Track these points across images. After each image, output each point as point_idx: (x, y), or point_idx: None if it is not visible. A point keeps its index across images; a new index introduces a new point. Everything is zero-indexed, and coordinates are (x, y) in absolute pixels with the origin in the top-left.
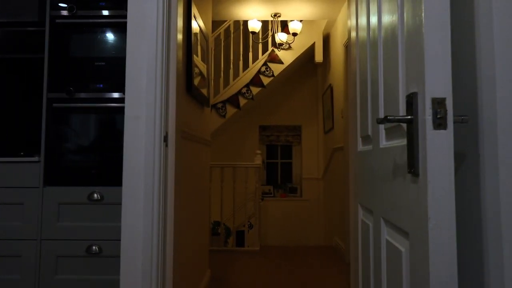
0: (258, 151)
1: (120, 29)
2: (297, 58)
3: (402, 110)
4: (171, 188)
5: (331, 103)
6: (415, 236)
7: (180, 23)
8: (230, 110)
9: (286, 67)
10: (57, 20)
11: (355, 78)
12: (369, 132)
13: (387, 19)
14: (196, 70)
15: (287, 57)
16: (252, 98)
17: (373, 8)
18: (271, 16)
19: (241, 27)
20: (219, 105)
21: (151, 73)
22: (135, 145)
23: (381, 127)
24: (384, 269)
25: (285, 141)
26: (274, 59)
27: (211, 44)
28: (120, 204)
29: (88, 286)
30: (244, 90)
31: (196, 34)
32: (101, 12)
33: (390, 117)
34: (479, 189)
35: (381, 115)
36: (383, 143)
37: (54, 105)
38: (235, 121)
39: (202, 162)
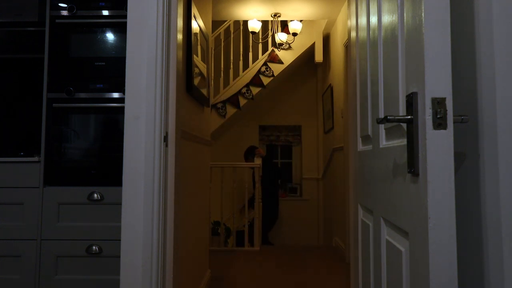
0: None
1: (120, 29)
2: (297, 58)
3: (402, 110)
4: (171, 188)
5: (331, 103)
6: (415, 236)
7: (180, 23)
8: (230, 110)
9: (286, 67)
10: (57, 20)
11: (355, 78)
12: (369, 132)
13: (387, 19)
14: (196, 70)
15: (287, 57)
16: (252, 98)
17: (373, 8)
18: (271, 16)
19: (241, 27)
20: (219, 105)
21: (151, 73)
22: (135, 145)
23: (381, 127)
24: (384, 269)
25: (285, 141)
26: (274, 59)
27: (211, 44)
28: (120, 204)
29: (88, 286)
30: (244, 90)
31: (196, 34)
32: (101, 12)
33: (390, 117)
34: (479, 189)
35: (381, 115)
36: (383, 143)
37: (54, 105)
38: (235, 121)
39: (202, 162)
